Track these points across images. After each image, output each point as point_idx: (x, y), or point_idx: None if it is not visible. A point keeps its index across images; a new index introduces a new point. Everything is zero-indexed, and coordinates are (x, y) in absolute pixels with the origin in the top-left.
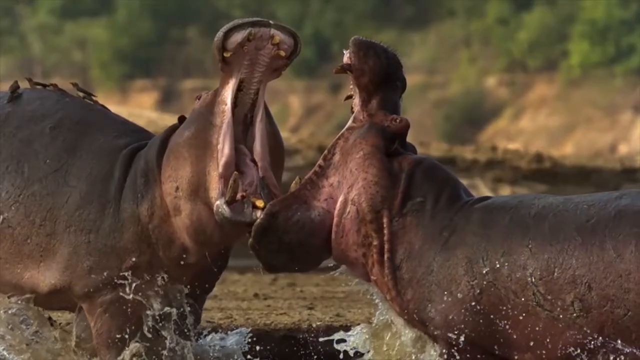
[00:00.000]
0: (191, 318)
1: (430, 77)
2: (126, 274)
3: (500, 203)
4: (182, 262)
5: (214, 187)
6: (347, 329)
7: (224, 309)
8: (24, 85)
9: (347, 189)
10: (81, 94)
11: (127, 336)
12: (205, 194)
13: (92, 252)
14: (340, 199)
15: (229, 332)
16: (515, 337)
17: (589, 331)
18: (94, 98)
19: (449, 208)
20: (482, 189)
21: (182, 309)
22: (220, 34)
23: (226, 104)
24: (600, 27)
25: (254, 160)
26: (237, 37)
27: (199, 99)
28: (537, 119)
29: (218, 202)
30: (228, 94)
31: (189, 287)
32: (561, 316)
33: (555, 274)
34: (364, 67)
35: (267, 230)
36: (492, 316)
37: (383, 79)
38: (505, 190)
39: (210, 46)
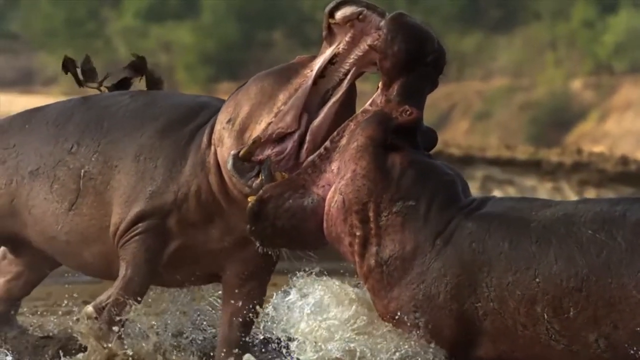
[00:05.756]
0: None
1: (516, 80)
2: (179, 200)
3: (497, 216)
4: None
5: None
6: None
7: None
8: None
9: (339, 178)
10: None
11: (157, 266)
12: (248, 140)
13: (156, 177)
14: (332, 187)
15: None
16: None
17: None
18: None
19: (442, 213)
20: (567, 192)
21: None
22: (334, 2)
23: (312, 70)
24: None
25: (302, 137)
26: (348, 10)
27: None
28: (623, 122)
29: (233, 152)
30: (319, 61)
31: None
32: (583, 352)
33: (572, 313)
34: (388, 51)
35: (259, 216)
36: (496, 340)
37: (407, 66)
38: (591, 194)
39: (295, 49)
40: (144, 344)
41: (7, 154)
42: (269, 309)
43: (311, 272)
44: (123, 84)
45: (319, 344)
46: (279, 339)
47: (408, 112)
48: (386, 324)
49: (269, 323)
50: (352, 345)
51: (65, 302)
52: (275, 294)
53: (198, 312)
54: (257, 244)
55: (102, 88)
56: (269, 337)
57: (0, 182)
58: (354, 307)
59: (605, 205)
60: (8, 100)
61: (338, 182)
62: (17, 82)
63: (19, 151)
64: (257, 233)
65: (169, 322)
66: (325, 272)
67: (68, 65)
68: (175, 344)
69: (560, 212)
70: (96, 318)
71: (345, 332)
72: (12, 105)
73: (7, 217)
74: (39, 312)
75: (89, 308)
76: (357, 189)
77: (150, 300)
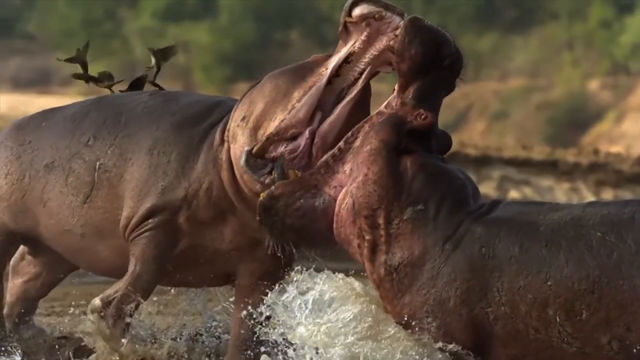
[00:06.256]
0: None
1: (533, 81)
2: (190, 197)
3: (506, 220)
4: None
5: None
6: None
7: None
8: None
9: (351, 180)
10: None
11: (166, 263)
12: (261, 137)
13: (168, 172)
14: (344, 189)
15: None
16: None
17: None
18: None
19: (451, 217)
20: (584, 192)
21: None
22: (353, 0)
23: (327, 68)
24: None
25: (314, 134)
26: (366, 9)
27: None
28: None
29: (246, 148)
30: (334, 60)
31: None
32: (596, 354)
33: (584, 315)
34: (405, 54)
35: (269, 211)
36: (507, 345)
37: (423, 69)
38: (608, 194)
39: (312, 49)
40: (157, 349)
41: (22, 150)
42: (263, 308)
43: (311, 266)
44: (137, 84)
45: (320, 350)
46: (276, 342)
47: (423, 116)
48: (393, 325)
49: (264, 325)
50: (355, 350)
51: (82, 302)
52: (269, 291)
53: (212, 319)
54: (267, 236)
55: (114, 89)
56: (264, 340)
57: (13, 177)
58: (358, 304)
59: (613, 207)
60: (25, 100)
61: (350, 184)
62: (34, 83)
63: (34, 147)
64: (266, 225)
65: (184, 324)
66: (325, 268)
67: (80, 58)
68: (190, 346)
69: (568, 216)
70: (103, 311)
71: (347, 336)
72: (29, 105)
73: (19, 213)
74: (55, 313)
75: (96, 301)
76: (368, 194)
77: (165, 300)
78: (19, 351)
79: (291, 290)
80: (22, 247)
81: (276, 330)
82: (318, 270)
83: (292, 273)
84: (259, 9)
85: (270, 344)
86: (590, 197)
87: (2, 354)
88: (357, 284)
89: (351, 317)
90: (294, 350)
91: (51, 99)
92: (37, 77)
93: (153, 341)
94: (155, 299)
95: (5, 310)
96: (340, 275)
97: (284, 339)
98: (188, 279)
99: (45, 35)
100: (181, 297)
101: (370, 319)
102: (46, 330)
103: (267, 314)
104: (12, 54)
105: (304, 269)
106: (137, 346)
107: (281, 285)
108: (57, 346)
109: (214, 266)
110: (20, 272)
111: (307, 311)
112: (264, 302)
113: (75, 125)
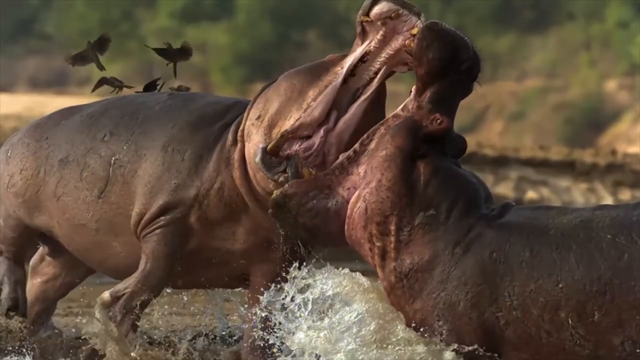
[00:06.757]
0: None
1: (550, 81)
2: (201, 196)
3: (516, 225)
4: (251, 196)
5: None
6: None
7: None
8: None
9: (364, 184)
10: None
11: (175, 263)
12: (275, 136)
13: (182, 170)
14: (357, 192)
15: None
16: None
17: None
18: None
19: (461, 222)
20: (601, 192)
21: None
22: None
23: (342, 68)
24: None
25: (330, 134)
26: (384, 8)
27: None
28: None
29: (261, 145)
30: (349, 59)
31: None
32: (608, 356)
33: (597, 317)
34: (423, 59)
35: (281, 208)
36: (519, 349)
37: (441, 74)
38: (625, 194)
39: (329, 50)
40: (172, 354)
41: (38, 146)
42: (256, 310)
43: (311, 261)
44: (151, 86)
45: (321, 358)
46: (272, 346)
47: (439, 121)
48: (402, 327)
49: (261, 328)
50: (359, 357)
51: None
52: (265, 290)
53: (229, 327)
54: (280, 236)
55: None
56: (258, 345)
57: (28, 173)
58: (364, 303)
59: (622, 210)
60: (42, 101)
61: (363, 188)
62: (51, 84)
63: (50, 142)
64: (279, 219)
65: (201, 325)
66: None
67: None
68: (206, 349)
69: (578, 219)
70: (111, 306)
71: (350, 341)
72: (46, 106)
73: (34, 209)
74: (73, 313)
75: (106, 295)
76: (381, 200)
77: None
78: (35, 352)
79: (289, 289)
80: (41, 247)
81: (273, 333)
82: (319, 265)
83: (291, 269)
84: (277, 9)
85: (268, 350)
86: (607, 198)
87: (17, 354)
88: (363, 279)
89: (355, 319)
90: (293, 357)
91: (68, 99)
92: (55, 78)
93: (168, 344)
94: (173, 297)
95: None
96: (345, 270)
97: (280, 344)
98: (202, 280)
99: (62, 35)
100: (198, 298)
101: (375, 321)
102: (64, 331)
103: (263, 314)
104: (30, 54)
105: (304, 264)
106: (149, 351)
107: (279, 284)
108: (74, 347)
109: (228, 267)
110: (39, 272)
111: (306, 312)
112: (260, 302)
113: (92, 121)
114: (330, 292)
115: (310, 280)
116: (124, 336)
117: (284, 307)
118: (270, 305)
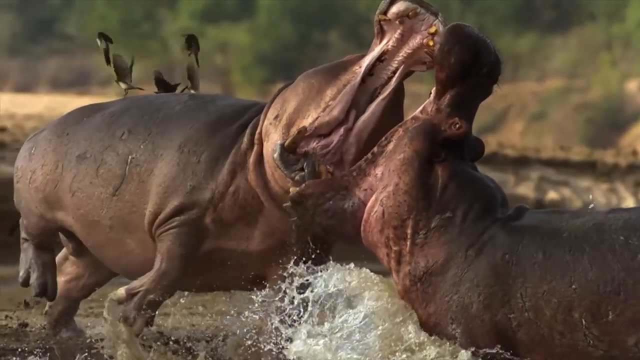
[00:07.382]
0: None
1: (571, 81)
2: (216, 198)
3: (529, 228)
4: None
5: None
6: None
7: None
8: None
9: (382, 187)
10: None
11: (189, 264)
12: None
13: (197, 172)
14: (374, 195)
15: None
16: None
17: None
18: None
19: (476, 225)
20: (622, 193)
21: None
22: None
23: (360, 67)
24: None
25: (349, 132)
26: (401, 7)
27: None
28: None
29: (279, 142)
30: (367, 58)
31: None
32: (622, 356)
33: (610, 317)
34: (444, 62)
35: (299, 206)
36: (531, 350)
37: (462, 77)
38: None
39: (350, 50)
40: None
41: (59, 141)
42: (247, 313)
43: (312, 256)
44: (165, 83)
45: None
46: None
47: (457, 125)
48: (412, 329)
49: (255, 332)
50: None
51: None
52: (257, 291)
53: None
54: (295, 234)
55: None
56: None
57: (47, 168)
58: (373, 300)
59: (634, 213)
60: (64, 101)
61: (380, 191)
62: (73, 84)
63: (70, 138)
64: (296, 214)
65: (225, 323)
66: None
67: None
68: (223, 352)
69: (590, 222)
70: (124, 302)
71: (351, 351)
72: (68, 106)
73: (53, 204)
74: (94, 314)
75: (121, 290)
76: (398, 204)
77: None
78: (54, 352)
79: (288, 288)
80: (65, 247)
81: (270, 338)
82: (317, 262)
83: (289, 266)
84: (298, 9)
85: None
86: (629, 198)
87: (37, 355)
88: (372, 275)
89: (359, 323)
90: None
91: (90, 99)
92: (76, 78)
93: (185, 349)
94: (194, 299)
95: (45, 308)
96: (350, 266)
97: (278, 350)
98: (219, 283)
99: (84, 36)
100: (219, 299)
101: (383, 324)
102: (85, 332)
103: (258, 316)
104: (51, 54)
105: (302, 260)
106: (166, 354)
107: (277, 285)
108: (95, 347)
109: (244, 269)
110: (63, 271)
111: (306, 316)
112: (254, 302)
113: (113, 120)
114: (332, 290)
115: (310, 278)
116: (134, 337)
117: (281, 310)
118: (265, 306)
